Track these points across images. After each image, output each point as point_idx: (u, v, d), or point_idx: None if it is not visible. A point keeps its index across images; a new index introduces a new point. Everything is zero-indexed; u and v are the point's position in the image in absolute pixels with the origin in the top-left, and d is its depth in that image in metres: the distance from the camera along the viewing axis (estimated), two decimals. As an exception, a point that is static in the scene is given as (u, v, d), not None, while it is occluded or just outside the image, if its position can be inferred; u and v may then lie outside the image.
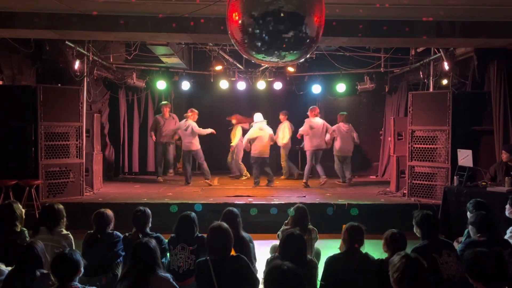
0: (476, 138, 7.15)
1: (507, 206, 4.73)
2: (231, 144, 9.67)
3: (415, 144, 7.47)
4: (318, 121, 8.82)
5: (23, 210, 4.17)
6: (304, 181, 8.70)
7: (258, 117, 8.82)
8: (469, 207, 4.33)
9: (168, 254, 3.90)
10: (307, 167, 8.78)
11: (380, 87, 10.07)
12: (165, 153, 9.55)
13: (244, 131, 9.40)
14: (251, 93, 10.52)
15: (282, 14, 2.80)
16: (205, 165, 8.81)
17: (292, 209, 4.44)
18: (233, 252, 3.33)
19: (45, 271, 3.03)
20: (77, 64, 7.55)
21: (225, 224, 3.33)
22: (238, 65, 9.78)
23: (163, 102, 9.63)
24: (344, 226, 3.77)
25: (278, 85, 10.14)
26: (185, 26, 5.91)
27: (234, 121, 9.85)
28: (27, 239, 3.93)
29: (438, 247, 3.40)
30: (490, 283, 2.57)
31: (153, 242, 3.07)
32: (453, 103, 7.10)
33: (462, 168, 6.23)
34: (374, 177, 10.34)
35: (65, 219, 4.00)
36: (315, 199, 7.32)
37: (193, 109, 8.93)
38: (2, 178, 6.40)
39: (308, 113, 8.87)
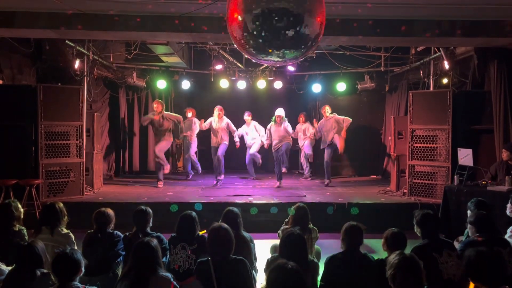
0: (476, 137, 7.15)
1: (508, 205, 4.73)
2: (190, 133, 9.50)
3: (415, 143, 7.47)
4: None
5: (22, 210, 4.17)
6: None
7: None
8: (470, 206, 4.32)
9: (168, 253, 3.90)
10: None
11: (380, 86, 10.07)
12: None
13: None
14: (251, 92, 10.53)
15: (282, 13, 2.79)
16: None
17: (292, 208, 4.44)
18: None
19: (45, 271, 3.02)
20: (77, 64, 7.55)
21: (225, 225, 3.31)
22: (238, 64, 9.77)
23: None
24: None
25: (278, 84, 10.15)
26: (185, 25, 5.90)
27: (190, 114, 9.68)
28: (26, 237, 3.94)
29: (439, 247, 3.40)
30: (489, 283, 2.57)
31: (155, 242, 3.06)
32: (453, 102, 7.11)
33: (463, 167, 6.23)
34: (374, 176, 10.34)
35: (66, 217, 4.00)
36: (315, 199, 7.33)
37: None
38: (2, 177, 6.41)
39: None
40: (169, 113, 8.93)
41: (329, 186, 8.72)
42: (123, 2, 5.49)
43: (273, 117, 8.75)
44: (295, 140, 9.59)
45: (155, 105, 8.62)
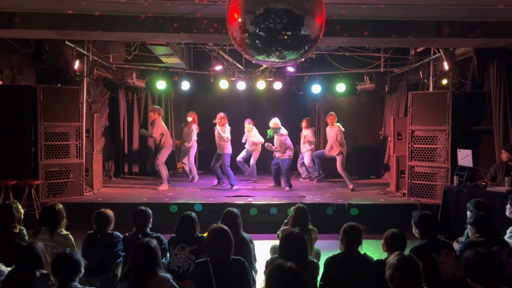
0: (476, 138, 7.16)
1: (507, 206, 4.73)
2: (187, 144, 9.35)
3: (415, 144, 7.47)
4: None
5: (23, 211, 4.17)
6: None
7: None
8: (470, 207, 4.33)
9: (168, 254, 3.90)
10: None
11: (380, 87, 10.07)
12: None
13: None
14: (251, 93, 10.53)
15: (282, 14, 2.80)
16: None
17: (292, 209, 4.44)
18: None
19: (44, 271, 3.02)
20: (77, 64, 7.55)
21: (225, 226, 3.30)
22: (238, 65, 9.77)
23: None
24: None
25: (278, 85, 10.15)
26: (185, 26, 5.90)
27: (190, 119, 9.39)
28: (26, 238, 3.94)
29: (437, 247, 3.41)
30: (488, 284, 2.57)
31: (154, 242, 3.06)
32: (453, 103, 7.11)
33: (462, 168, 6.23)
34: (374, 177, 10.34)
35: (65, 219, 4.00)
36: (315, 199, 7.33)
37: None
38: (2, 178, 6.41)
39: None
40: (161, 122, 8.65)
41: (326, 186, 8.71)
42: (123, 2, 5.49)
43: (269, 130, 8.61)
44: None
45: (150, 113, 8.68)
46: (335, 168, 9.06)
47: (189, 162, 9.44)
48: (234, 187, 8.36)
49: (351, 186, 8.47)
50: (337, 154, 8.57)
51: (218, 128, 8.67)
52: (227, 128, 8.76)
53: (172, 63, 9.40)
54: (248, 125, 9.27)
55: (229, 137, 8.68)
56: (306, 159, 9.59)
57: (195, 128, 9.32)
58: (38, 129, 7.00)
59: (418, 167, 7.49)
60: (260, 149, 9.31)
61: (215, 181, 8.83)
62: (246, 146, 9.40)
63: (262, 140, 9.18)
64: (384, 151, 10.20)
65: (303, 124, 9.68)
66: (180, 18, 5.76)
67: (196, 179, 9.43)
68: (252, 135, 9.26)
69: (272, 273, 2.48)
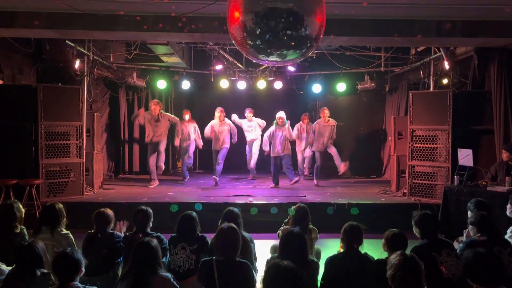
0: (477, 138, 7.16)
1: (508, 206, 4.73)
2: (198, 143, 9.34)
3: (416, 143, 7.47)
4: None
5: (23, 210, 4.17)
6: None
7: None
8: (470, 207, 4.33)
9: (168, 253, 3.91)
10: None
11: (380, 87, 10.07)
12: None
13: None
14: (252, 93, 10.54)
15: (283, 13, 2.79)
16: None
17: (292, 208, 4.44)
18: None
19: (45, 271, 3.02)
20: (77, 64, 7.55)
21: (234, 226, 3.31)
22: (238, 64, 9.78)
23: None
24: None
25: (278, 85, 10.16)
26: (186, 25, 5.90)
27: (187, 117, 9.37)
28: (27, 237, 3.94)
29: (438, 247, 3.41)
30: (487, 284, 2.57)
31: (155, 242, 3.07)
32: (454, 102, 7.10)
33: (463, 168, 6.23)
34: (374, 176, 10.33)
35: (65, 218, 4.00)
36: (316, 199, 7.33)
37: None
38: (2, 177, 6.41)
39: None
40: (168, 114, 8.78)
41: (320, 186, 8.75)
42: (124, 2, 5.49)
43: (275, 120, 8.69)
44: (293, 142, 9.49)
45: (152, 107, 8.57)
46: (335, 167, 9.06)
47: (188, 157, 9.40)
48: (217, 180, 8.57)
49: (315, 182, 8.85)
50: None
51: (230, 124, 8.69)
52: (227, 122, 8.79)
53: (172, 62, 9.41)
54: (249, 114, 9.30)
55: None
56: (308, 154, 9.60)
57: (197, 127, 9.33)
58: (38, 128, 7.00)
59: (419, 167, 7.48)
60: (260, 139, 9.26)
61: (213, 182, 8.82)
62: (248, 139, 9.41)
63: (264, 122, 9.25)
64: (385, 150, 10.19)
65: (305, 120, 9.65)
66: (181, 17, 5.76)
67: (186, 178, 9.40)
68: (254, 125, 9.28)
69: (269, 272, 2.49)
